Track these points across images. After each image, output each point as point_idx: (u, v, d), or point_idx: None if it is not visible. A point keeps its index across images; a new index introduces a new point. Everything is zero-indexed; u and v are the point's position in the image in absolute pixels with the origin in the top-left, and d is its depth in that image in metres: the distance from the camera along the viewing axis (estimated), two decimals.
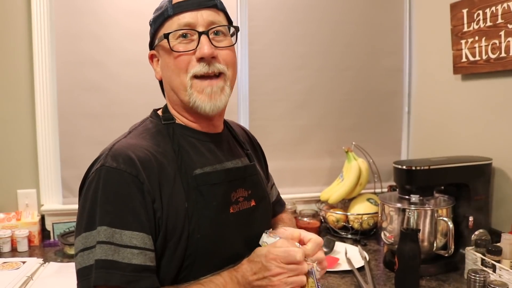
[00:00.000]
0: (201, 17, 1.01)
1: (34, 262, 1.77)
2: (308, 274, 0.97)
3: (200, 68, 1.01)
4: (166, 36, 1.01)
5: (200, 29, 1.01)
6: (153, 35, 1.09)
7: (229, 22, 1.09)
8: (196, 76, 1.02)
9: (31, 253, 1.94)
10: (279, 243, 0.97)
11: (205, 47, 0.99)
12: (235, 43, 1.07)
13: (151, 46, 1.12)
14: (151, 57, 1.12)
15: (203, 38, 1.00)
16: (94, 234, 0.89)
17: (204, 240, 0.98)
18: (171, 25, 1.02)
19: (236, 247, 1.00)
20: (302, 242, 1.05)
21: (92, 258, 0.88)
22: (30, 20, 2.04)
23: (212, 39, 1.02)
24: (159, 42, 1.05)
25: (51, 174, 2.12)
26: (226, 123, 1.24)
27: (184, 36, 1.01)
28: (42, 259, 1.81)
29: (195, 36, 1.01)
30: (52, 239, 2.07)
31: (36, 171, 2.12)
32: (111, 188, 0.91)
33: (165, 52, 1.05)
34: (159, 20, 1.05)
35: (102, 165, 0.93)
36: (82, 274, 0.89)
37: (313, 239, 1.04)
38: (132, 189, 0.92)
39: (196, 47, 1.00)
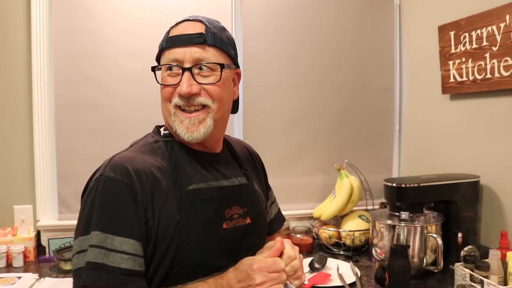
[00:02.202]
0: (188, 54, 1.05)
1: (29, 277, 1.78)
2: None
3: (179, 101, 1.07)
4: (153, 69, 1.10)
5: (187, 65, 1.05)
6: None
7: (229, 54, 1.12)
8: (178, 106, 1.08)
9: (26, 268, 1.95)
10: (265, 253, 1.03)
11: (183, 86, 1.04)
12: (219, 80, 1.07)
13: None
14: None
15: (185, 75, 1.05)
16: (88, 238, 0.95)
17: (192, 252, 1.03)
18: (163, 57, 1.09)
19: (224, 261, 1.04)
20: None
21: (84, 260, 0.94)
22: (30, 38, 2.09)
23: (197, 74, 1.06)
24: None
25: (48, 190, 2.15)
26: (227, 142, 1.29)
27: (170, 69, 1.07)
28: (37, 275, 1.82)
29: (181, 71, 1.06)
30: (47, 255, 2.08)
31: (33, 187, 2.14)
32: (108, 196, 0.98)
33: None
34: (159, 50, 1.11)
35: (101, 175, 1.00)
36: (75, 275, 0.95)
37: (286, 253, 1.09)
38: (127, 198, 0.98)
39: (179, 82, 1.06)
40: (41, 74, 2.11)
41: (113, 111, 2.20)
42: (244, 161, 1.30)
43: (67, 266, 1.90)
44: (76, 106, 2.17)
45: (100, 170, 1.02)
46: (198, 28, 1.07)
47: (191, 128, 1.07)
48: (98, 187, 0.99)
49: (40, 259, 2.04)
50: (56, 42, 2.13)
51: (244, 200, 1.17)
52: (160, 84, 1.09)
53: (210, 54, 1.07)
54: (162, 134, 1.16)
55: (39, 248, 2.11)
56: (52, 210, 2.16)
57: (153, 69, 1.11)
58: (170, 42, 1.07)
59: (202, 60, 1.06)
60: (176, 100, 1.07)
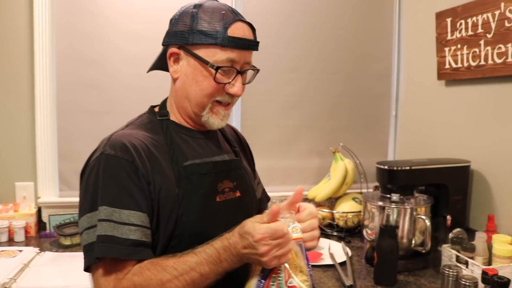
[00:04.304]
0: (243, 57, 1.12)
1: (30, 251, 1.85)
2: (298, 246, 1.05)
3: (226, 99, 1.15)
4: (217, 68, 1.09)
5: (238, 67, 1.12)
6: (185, 39, 1.11)
7: None
8: (218, 101, 1.15)
9: (27, 243, 2.01)
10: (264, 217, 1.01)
11: (240, 89, 1.14)
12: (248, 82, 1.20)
13: (169, 41, 1.15)
14: (172, 55, 1.15)
15: (240, 78, 1.13)
16: (97, 214, 1.00)
17: (191, 224, 1.09)
18: (220, 55, 1.09)
19: (220, 232, 1.07)
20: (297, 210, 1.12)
21: (95, 234, 0.99)
22: (32, 19, 2.12)
23: (242, 76, 1.15)
24: (198, 57, 1.10)
25: (49, 167, 2.20)
26: None
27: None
28: (38, 249, 1.89)
29: (233, 72, 1.12)
30: (48, 230, 2.14)
31: (34, 164, 2.19)
32: (111, 173, 1.03)
33: (199, 68, 1.12)
34: (206, 39, 1.08)
35: (102, 153, 1.05)
36: (87, 250, 1.01)
37: (308, 208, 1.11)
38: (129, 173, 1.03)
39: (231, 81, 1.12)
40: (43, 55, 2.14)
41: (113, 91, 2.24)
42: (232, 140, 1.37)
43: (67, 241, 1.97)
44: (78, 86, 2.21)
45: (100, 149, 1.07)
46: (252, 34, 1.15)
47: (224, 119, 1.18)
48: (100, 165, 1.03)
49: (41, 234, 2.11)
50: (58, 24, 2.16)
51: (233, 174, 1.23)
52: (217, 82, 1.11)
53: (251, 57, 1.17)
54: (157, 113, 1.21)
55: (40, 224, 2.17)
56: (52, 187, 2.22)
57: (217, 68, 1.09)
58: (233, 43, 1.08)
59: (250, 63, 1.16)
60: (222, 97, 1.14)
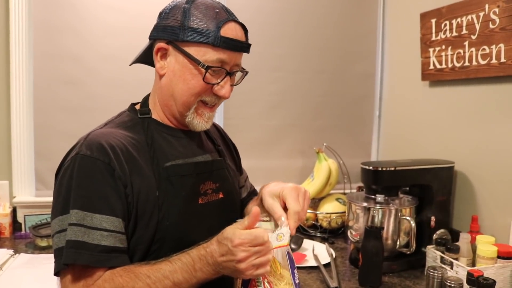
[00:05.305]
0: (234, 58, 1.09)
1: (4, 253, 1.78)
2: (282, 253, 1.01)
3: (212, 100, 1.12)
4: (208, 68, 1.06)
5: (228, 68, 1.09)
6: (175, 35, 1.07)
7: None
8: (203, 101, 1.12)
9: (1, 244, 1.93)
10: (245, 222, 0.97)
11: (228, 90, 1.11)
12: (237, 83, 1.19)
13: (157, 35, 1.11)
14: (159, 50, 1.11)
15: (228, 80, 1.10)
16: (68, 217, 0.96)
17: (172, 227, 1.05)
18: (211, 55, 1.06)
19: (203, 235, 1.04)
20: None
21: (64, 239, 0.95)
22: (8, 12, 2.04)
23: (231, 78, 1.14)
24: (187, 55, 1.06)
25: (25, 166, 2.12)
26: None
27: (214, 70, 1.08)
28: (12, 250, 1.82)
29: (223, 73, 1.09)
30: (23, 231, 2.07)
31: (10, 162, 2.11)
32: (85, 174, 0.98)
33: (187, 66, 1.08)
34: (197, 37, 1.05)
35: (77, 154, 1.00)
36: (57, 254, 0.96)
37: (291, 210, 1.05)
38: (105, 175, 0.98)
39: (220, 82, 1.09)
40: (19, 50, 2.06)
41: (93, 88, 2.17)
42: (215, 138, 1.34)
43: (43, 243, 1.90)
44: (55, 82, 2.13)
45: (75, 149, 1.02)
46: (245, 36, 1.13)
47: (209, 121, 1.15)
48: (75, 166, 0.99)
49: (16, 235, 2.03)
50: (35, 16, 2.07)
51: (216, 175, 1.20)
52: (206, 83, 1.08)
53: (241, 59, 1.14)
54: (138, 111, 1.17)
55: (15, 225, 2.10)
56: (29, 187, 2.14)
57: (207, 68, 1.06)
58: (226, 43, 1.06)
59: (239, 65, 1.14)
60: (208, 98, 1.11)
